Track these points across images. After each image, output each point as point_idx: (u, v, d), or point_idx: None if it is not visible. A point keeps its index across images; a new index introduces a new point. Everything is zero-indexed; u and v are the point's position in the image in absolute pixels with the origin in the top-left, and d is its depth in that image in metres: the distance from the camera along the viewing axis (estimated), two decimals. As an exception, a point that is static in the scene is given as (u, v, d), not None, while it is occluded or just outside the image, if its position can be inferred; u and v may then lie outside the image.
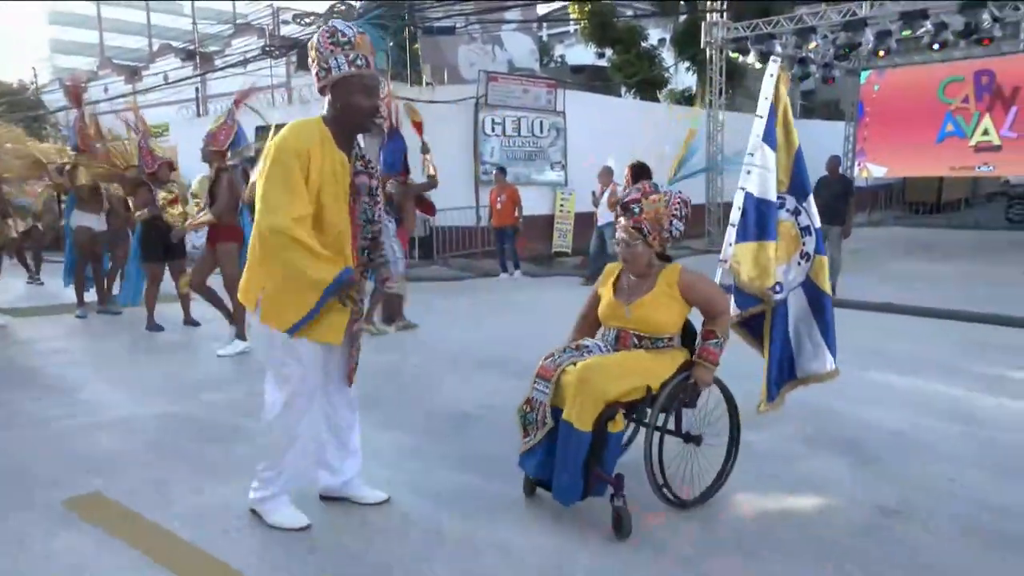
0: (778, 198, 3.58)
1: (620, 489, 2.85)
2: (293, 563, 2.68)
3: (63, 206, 10.64)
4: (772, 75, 3.58)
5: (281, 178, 2.60)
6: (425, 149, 7.12)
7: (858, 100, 16.88)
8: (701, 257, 11.45)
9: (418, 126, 7.16)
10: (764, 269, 3.47)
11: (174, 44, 28.42)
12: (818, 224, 3.63)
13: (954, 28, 11.42)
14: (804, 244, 3.60)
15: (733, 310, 3.58)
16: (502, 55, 16.94)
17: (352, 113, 2.74)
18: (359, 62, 2.71)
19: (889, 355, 5.66)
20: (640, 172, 7.75)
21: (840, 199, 8.40)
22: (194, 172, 10.12)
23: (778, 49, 12.81)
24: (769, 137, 3.54)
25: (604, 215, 9.79)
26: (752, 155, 3.52)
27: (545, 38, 26.57)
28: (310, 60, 2.81)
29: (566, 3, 19.87)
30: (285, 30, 20.77)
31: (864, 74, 16.52)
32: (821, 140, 13.55)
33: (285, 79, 19.56)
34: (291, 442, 2.90)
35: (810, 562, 2.68)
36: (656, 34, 22.42)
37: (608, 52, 19.93)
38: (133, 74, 26.40)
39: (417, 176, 7.20)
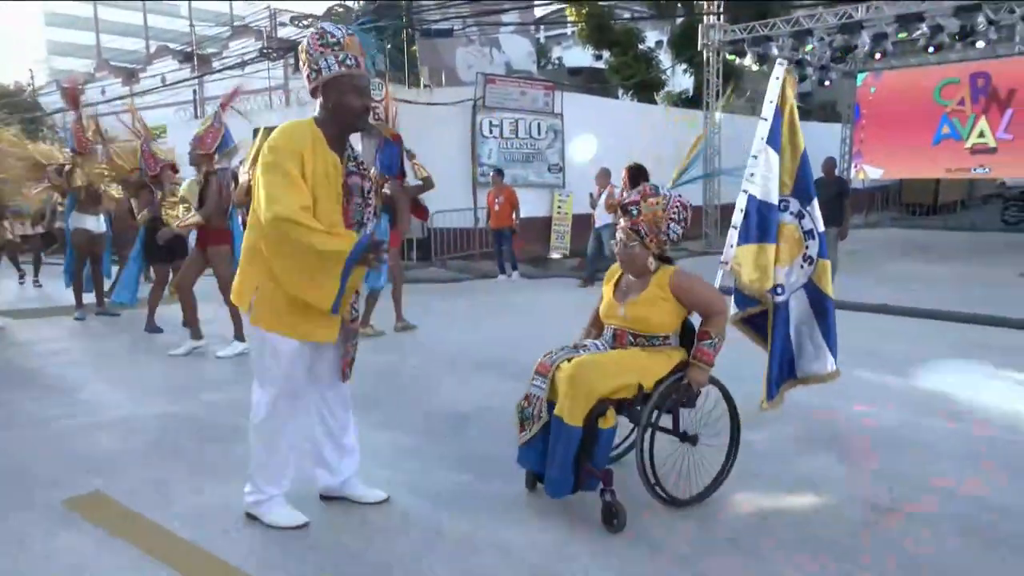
0: (781, 200, 3.59)
1: (609, 484, 2.91)
2: (292, 562, 2.69)
3: (61, 209, 10.67)
4: (778, 78, 3.58)
5: (280, 174, 2.60)
6: (410, 155, 7.09)
7: (854, 102, 16.93)
8: (698, 259, 11.49)
9: (396, 138, 7.10)
10: (764, 271, 3.49)
11: (171, 46, 28.41)
12: (822, 228, 3.64)
13: (949, 30, 11.47)
14: (807, 247, 3.60)
15: (733, 309, 3.61)
16: (499, 57, 16.99)
17: (344, 113, 2.75)
18: (349, 62, 2.73)
19: (885, 356, 5.69)
20: (637, 174, 7.76)
21: (836, 201, 8.44)
22: (193, 173, 10.12)
23: (774, 51, 12.86)
24: (773, 140, 3.55)
25: (601, 217, 9.81)
26: (755, 157, 3.53)
27: (542, 40, 26.64)
28: (301, 63, 2.83)
29: (563, 5, 19.90)
30: (282, 32, 20.80)
31: (860, 76, 16.58)
32: (818, 142, 13.57)
33: (283, 81, 19.59)
34: (276, 445, 2.91)
35: (807, 561, 2.70)
36: (653, 36, 22.49)
37: (605, 54, 19.98)
38: (130, 76, 26.39)
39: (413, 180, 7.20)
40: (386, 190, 6.45)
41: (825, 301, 3.63)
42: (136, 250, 7.18)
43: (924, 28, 11.59)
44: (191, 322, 6.12)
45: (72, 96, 7.80)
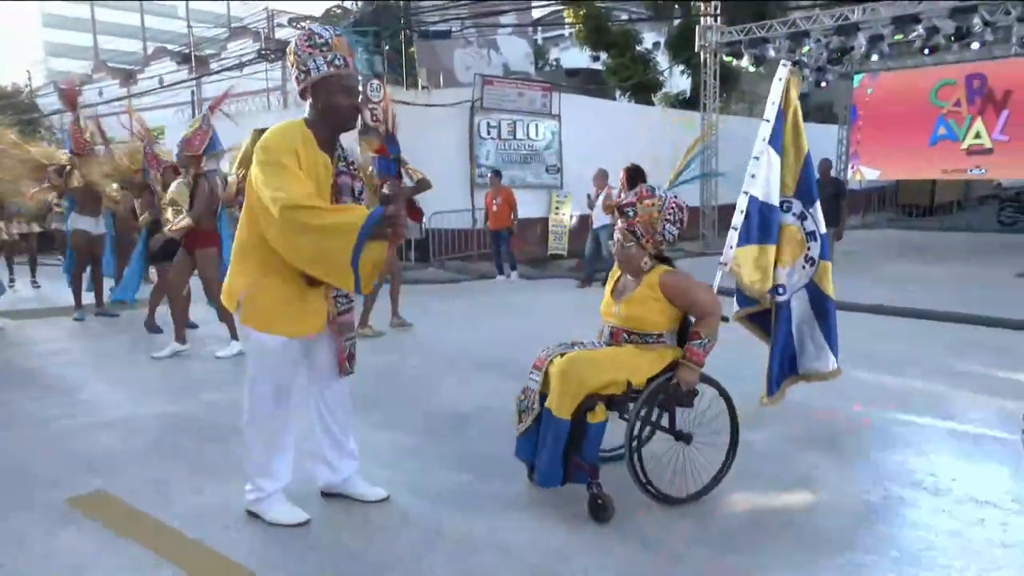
0: (783, 201, 3.59)
1: (595, 477, 2.99)
2: (293, 560, 2.71)
3: (58, 210, 10.66)
4: (781, 79, 3.56)
5: (279, 168, 2.60)
6: (402, 163, 7.11)
7: (851, 103, 16.99)
8: (696, 260, 11.51)
9: (381, 150, 7.10)
10: (765, 272, 3.49)
11: (169, 47, 28.41)
12: (824, 230, 3.65)
13: (945, 32, 11.52)
14: (809, 249, 3.61)
15: (735, 307, 3.62)
16: (497, 59, 17.02)
17: (334, 113, 2.77)
18: (337, 62, 2.74)
19: (881, 356, 5.71)
20: (635, 175, 7.79)
21: (832, 202, 8.48)
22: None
23: (771, 53, 12.90)
24: (775, 141, 3.53)
25: (599, 218, 9.84)
26: (757, 159, 3.52)
27: (540, 41, 26.66)
28: (289, 64, 2.84)
29: (561, 7, 19.94)
30: (280, 33, 20.81)
31: (857, 77, 16.64)
32: (814, 143, 13.41)
33: (280, 82, 19.59)
34: (271, 443, 2.94)
35: (803, 558, 2.73)
36: (651, 38, 22.55)
37: (603, 55, 20.01)
38: (128, 77, 26.38)
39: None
40: (385, 190, 6.47)
41: (826, 302, 3.65)
42: (138, 250, 7.19)
43: (920, 30, 11.64)
44: (178, 325, 6.12)
45: (70, 97, 7.82)
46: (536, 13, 21.29)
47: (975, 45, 12.49)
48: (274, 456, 2.96)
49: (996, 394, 4.73)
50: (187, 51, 24.46)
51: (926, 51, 12.37)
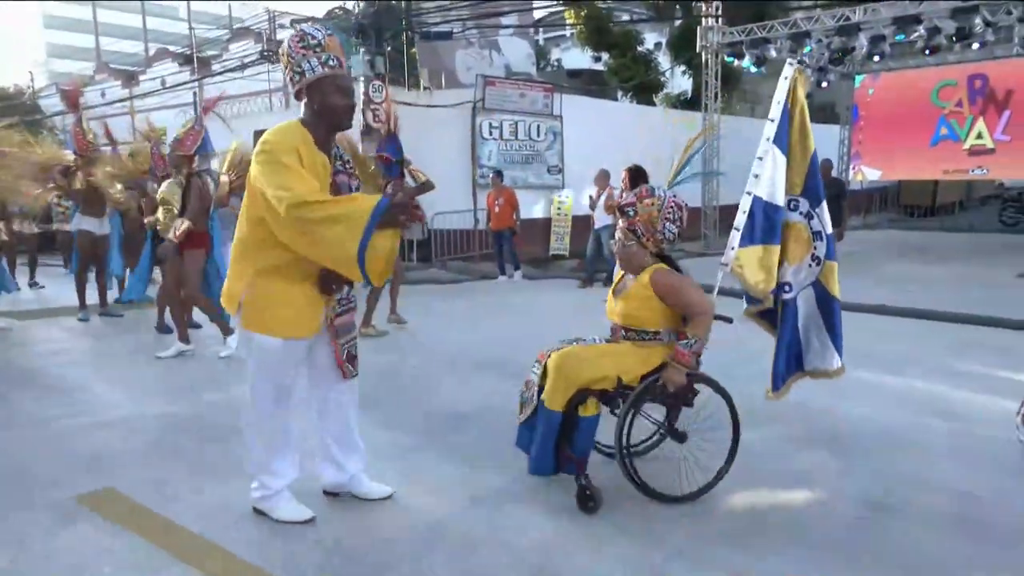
0: (791, 200, 3.57)
1: (584, 469, 3.08)
2: (296, 558, 2.73)
3: (60, 210, 10.68)
4: (787, 78, 3.53)
5: (281, 167, 2.61)
6: (406, 163, 7.12)
7: (853, 103, 16.99)
8: (697, 260, 11.51)
9: (385, 159, 7.06)
10: (769, 272, 3.47)
11: (171, 49, 28.45)
12: (830, 230, 3.63)
13: (947, 32, 11.51)
14: (815, 248, 3.60)
15: (745, 305, 3.60)
16: (499, 59, 17.02)
17: (329, 113, 2.79)
18: (331, 63, 2.76)
19: (882, 356, 5.71)
20: (637, 175, 7.80)
21: (833, 202, 8.42)
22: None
23: (773, 53, 12.90)
24: (780, 141, 3.51)
25: (600, 218, 9.85)
26: (760, 159, 3.50)
27: (541, 42, 26.66)
28: (282, 66, 2.85)
29: (562, 8, 19.95)
30: (282, 35, 20.83)
31: (859, 78, 16.64)
32: (816, 143, 13.59)
33: (282, 83, 19.61)
34: (272, 442, 2.96)
35: (801, 555, 2.74)
36: (652, 38, 22.53)
37: (604, 56, 20.02)
38: (130, 79, 26.42)
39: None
40: (389, 191, 6.47)
41: (832, 302, 3.63)
42: (145, 252, 7.20)
43: (921, 30, 11.63)
44: (180, 326, 6.14)
45: (72, 99, 7.84)
46: (537, 14, 21.29)
47: (976, 45, 12.47)
48: (276, 455, 2.98)
49: (997, 394, 4.73)
50: (189, 52, 24.50)
51: (927, 51, 12.36)
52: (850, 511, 3.10)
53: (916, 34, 11.83)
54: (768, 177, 3.50)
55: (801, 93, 3.59)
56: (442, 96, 13.35)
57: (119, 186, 7.38)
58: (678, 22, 18.97)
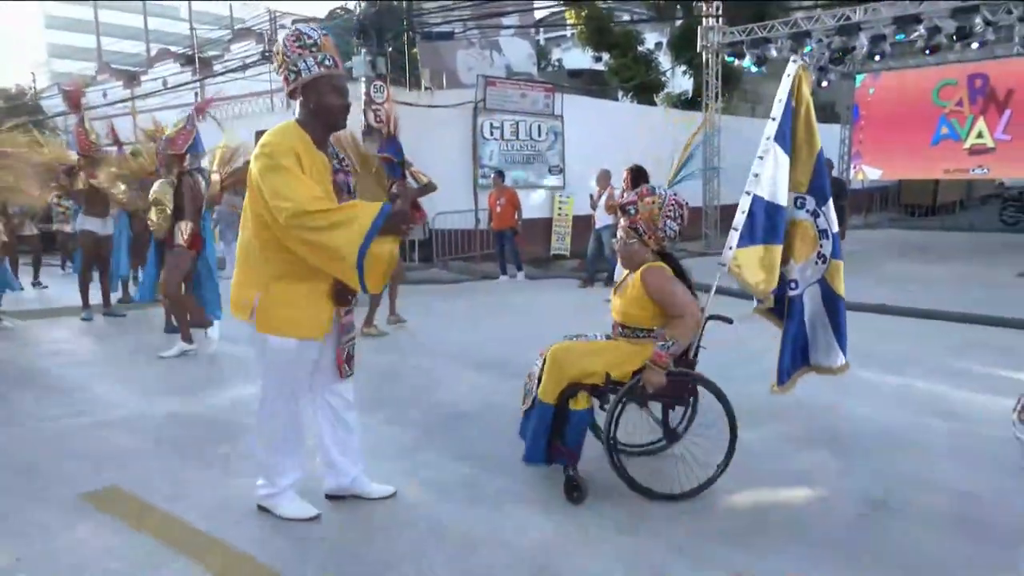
0: (797, 198, 3.55)
1: (573, 461, 3.18)
2: (299, 555, 2.75)
3: (61, 210, 10.70)
4: (789, 75, 3.48)
5: (281, 172, 2.63)
6: (407, 165, 7.15)
7: (853, 103, 16.99)
8: (698, 259, 11.52)
9: (386, 160, 7.09)
10: (770, 272, 3.43)
11: (173, 49, 28.48)
12: (836, 229, 3.62)
13: (947, 32, 11.51)
14: (821, 246, 3.59)
15: (755, 303, 3.58)
16: (500, 60, 17.04)
17: (326, 113, 2.80)
18: (328, 62, 2.78)
19: (883, 355, 5.73)
20: (638, 175, 7.83)
21: (834, 202, 8.47)
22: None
23: (773, 53, 12.91)
24: (781, 139, 3.46)
25: (602, 218, 9.87)
26: (762, 158, 3.45)
27: (542, 42, 26.68)
28: (277, 66, 2.86)
29: (563, 8, 19.96)
30: (283, 35, 20.80)
31: (859, 77, 16.64)
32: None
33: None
34: (282, 442, 2.98)
35: (802, 553, 2.76)
36: (652, 38, 22.54)
37: (605, 56, 20.03)
38: (132, 79, 26.46)
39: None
40: (394, 190, 6.53)
41: (837, 301, 3.62)
42: (152, 252, 7.23)
43: (922, 30, 11.63)
44: (182, 326, 6.16)
45: (74, 99, 7.86)
46: (538, 14, 21.30)
47: (974, 45, 12.47)
48: (286, 453, 3.01)
49: (998, 393, 4.74)
50: (190, 53, 24.53)
51: (928, 51, 12.36)
52: (850, 510, 3.12)
53: (916, 34, 11.83)
54: (769, 176, 3.45)
55: (806, 90, 3.54)
56: (443, 96, 13.37)
57: (122, 187, 7.40)
58: (679, 22, 18.98)
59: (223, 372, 5.67)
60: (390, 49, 12.70)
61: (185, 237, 5.86)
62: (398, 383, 5.25)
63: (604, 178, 9.97)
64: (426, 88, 14.54)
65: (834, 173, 13.75)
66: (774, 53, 12.90)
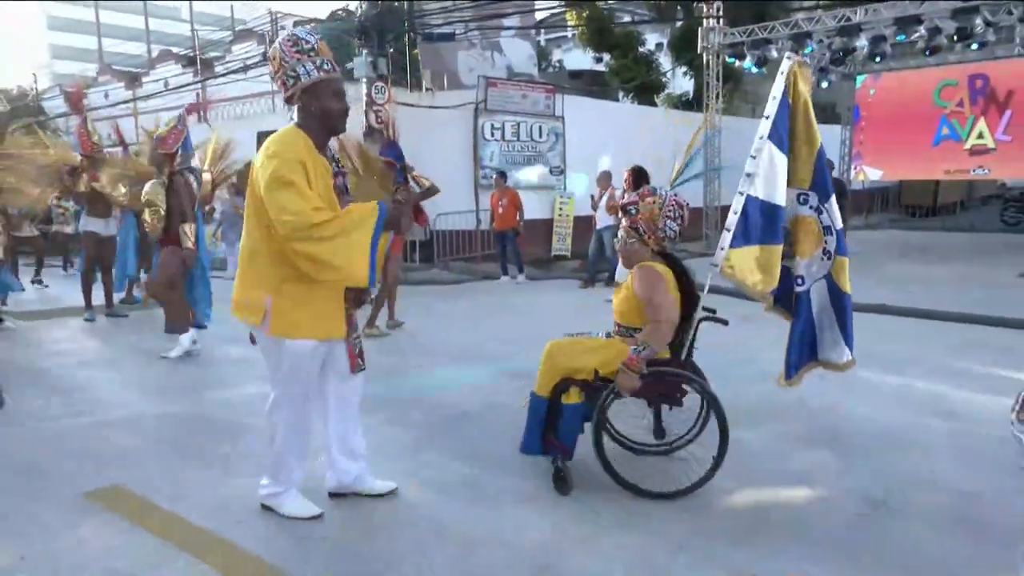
0: (800, 194, 3.53)
1: (565, 455, 3.28)
2: (302, 553, 2.76)
3: (60, 211, 10.73)
4: (783, 72, 3.43)
5: (284, 185, 2.64)
6: (409, 169, 7.18)
7: (854, 104, 16.99)
8: (699, 260, 11.53)
9: (390, 165, 7.10)
10: (768, 272, 3.40)
11: (174, 50, 28.50)
12: (839, 225, 3.59)
13: (947, 32, 11.52)
14: (826, 242, 3.57)
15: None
16: (501, 60, 17.04)
17: (327, 117, 2.82)
18: (326, 67, 2.80)
19: (884, 355, 5.73)
20: (639, 176, 7.86)
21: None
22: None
23: (774, 54, 12.92)
24: (777, 138, 3.40)
25: (602, 219, 9.89)
26: (754, 157, 3.39)
27: (543, 43, 26.69)
28: (273, 70, 2.85)
29: (564, 9, 19.98)
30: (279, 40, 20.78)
31: (860, 78, 16.64)
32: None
33: (285, 85, 19.56)
34: (292, 442, 3.00)
35: (802, 553, 2.77)
36: (653, 39, 22.54)
37: (606, 57, 20.04)
38: (133, 80, 26.48)
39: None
40: (398, 197, 6.59)
41: (843, 298, 3.61)
42: (157, 253, 7.24)
43: (922, 30, 11.64)
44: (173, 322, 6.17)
45: (75, 100, 7.88)
46: (539, 15, 21.32)
47: (973, 46, 12.47)
48: (293, 454, 3.03)
49: (998, 393, 4.75)
50: (192, 54, 24.55)
51: (928, 52, 12.37)
52: (850, 510, 3.13)
53: (917, 34, 11.83)
54: (764, 175, 3.40)
55: (803, 87, 3.49)
56: (444, 97, 13.39)
57: (123, 189, 7.43)
58: (679, 23, 18.99)
59: (223, 372, 5.69)
60: (391, 50, 12.72)
61: (192, 239, 5.87)
62: (399, 384, 5.26)
63: (605, 179, 9.99)
64: (427, 89, 14.56)
65: (835, 174, 13.75)
66: (775, 54, 12.91)
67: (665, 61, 20.76)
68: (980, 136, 15.05)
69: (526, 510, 3.13)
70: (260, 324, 2.84)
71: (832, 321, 3.64)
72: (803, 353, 3.63)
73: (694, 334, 3.34)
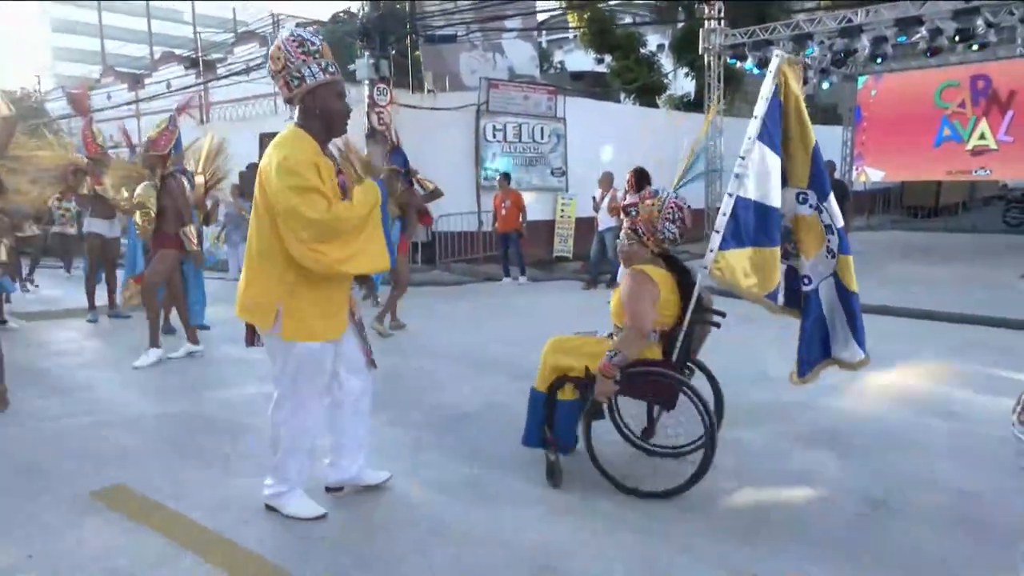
0: (799, 193, 3.51)
1: (559, 449, 3.39)
2: (303, 553, 2.78)
3: (61, 211, 10.73)
4: (771, 71, 3.37)
5: (309, 192, 2.69)
6: (412, 172, 7.23)
7: (855, 105, 16.98)
8: (699, 261, 11.52)
9: (396, 172, 7.12)
10: (765, 274, 3.34)
11: (177, 52, 28.55)
12: (840, 224, 3.56)
13: (949, 33, 11.52)
14: (828, 241, 3.54)
15: (780, 300, 3.52)
16: (503, 62, 17.05)
17: (331, 118, 2.85)
18: (331, 69, 2.83)
19: (885, 356, 5.71)
20: (641, 177, 7.89)
21: (836, 204, 8.49)
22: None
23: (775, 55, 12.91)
24: (768, 138, 3.34)
25: (604, 220, 9.89)
26: (743, 158, 3.31)
27: (545, 45, 26.71)
28: (275, 71, 2.83)
29: (565, 11, 20.00)
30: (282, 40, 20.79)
31: (861, 79, 16.63)
32: (819, 144, 13.63)
33: (287, 86, 19.58)
34: (298, 443, 3.02)
35: (802, 552, 2.78)
36: (655, 40, 22.58)
37: (607, 58, 20.06)
38: (136, 82, 26.53)
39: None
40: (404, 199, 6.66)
41: (850, 296, 3.57)
42: None
43: (923, 31, 11.64)
44: (186, 327, 6.19)
45: (80, 102, 7.90)
46: (540, 17, 21.33)
47: (974, 47, 12.47)
48: (298, 455, 3.04)
49: (999, 393, 4.75)
50: (194, 56, 24.59)
51: (929, 53, 12.36)
52: (850, 510, 3.13)
53: (918, 35, 11.82)
54: (756, 176, 3.33)
55: (794, 85, 3.43)
56: (446, 99, 13.41)
57: (126, 193, 7.44)
58: (680, 24, 19.01)
59: (223, 372, 5.70)
60: (393, 52, 12.73)
61: (195, 241, 5.88)
62: (400, 384, 5.27)
63: (607, 180, 10.00)
64: (429, 91, 14.57)
65: (836, 175, 13.78)
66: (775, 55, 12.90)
67: (666, 62, 20.78)
68: (982, 137, 15.03)
69: (526, 510, 3.14)
70: (271, 327, 2.84)
71: (843, 320, 3.61)
72: (814, 351, 3.58)
73: (694, 335, 3.35)
